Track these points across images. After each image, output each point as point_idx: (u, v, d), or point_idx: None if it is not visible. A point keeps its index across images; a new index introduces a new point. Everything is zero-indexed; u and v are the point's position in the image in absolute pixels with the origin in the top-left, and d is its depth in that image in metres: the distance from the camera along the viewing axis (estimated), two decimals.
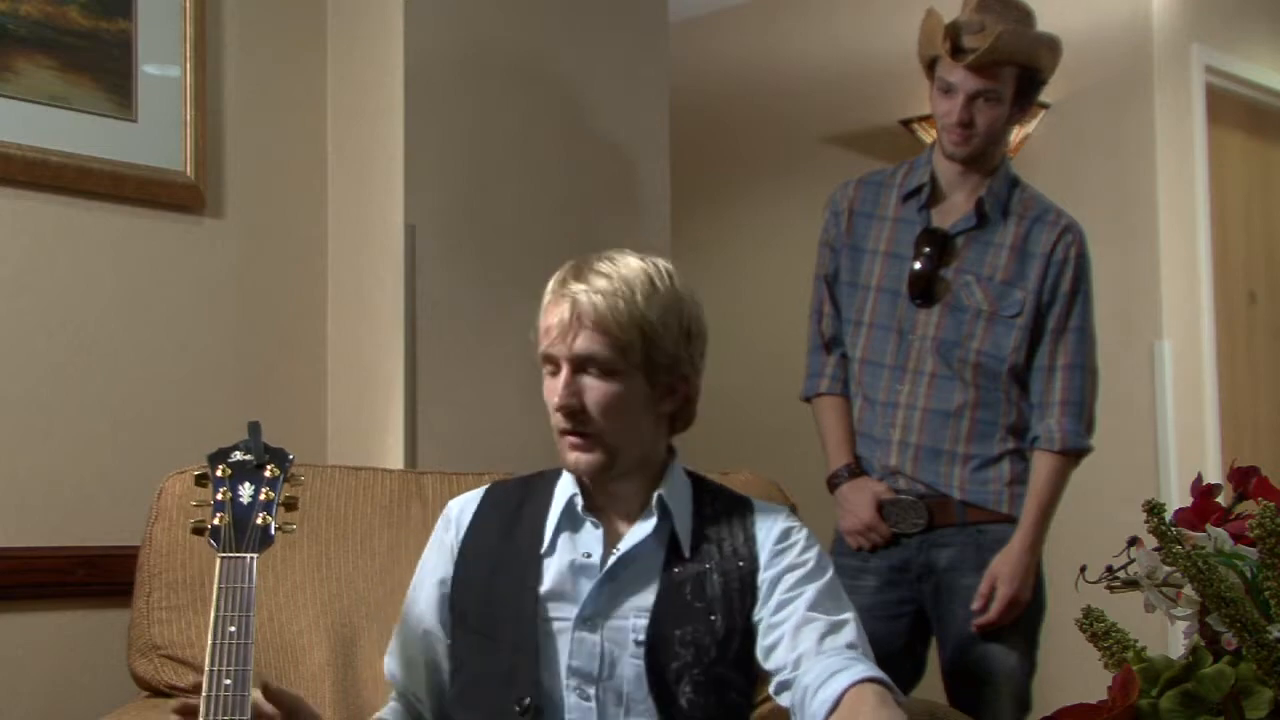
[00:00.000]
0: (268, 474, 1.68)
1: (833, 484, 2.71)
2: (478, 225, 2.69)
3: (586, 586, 1.75)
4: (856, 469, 2.69)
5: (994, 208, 2.63)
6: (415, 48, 2.59)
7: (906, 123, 4.50)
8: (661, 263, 1.79)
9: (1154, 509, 1.24)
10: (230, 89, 2.58)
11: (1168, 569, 1.28)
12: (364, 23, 2.67)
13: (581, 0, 2.90)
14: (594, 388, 1.73)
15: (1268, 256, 4.80)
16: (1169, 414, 4.15)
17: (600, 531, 1.79)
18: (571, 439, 1.75)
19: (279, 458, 1.70)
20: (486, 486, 1.92)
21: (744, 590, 1.77)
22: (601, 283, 1.72)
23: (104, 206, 2.40)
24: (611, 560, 1.76)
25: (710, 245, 4.93)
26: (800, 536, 1.83)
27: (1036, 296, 2.59)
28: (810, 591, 1.75)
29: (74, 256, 2.38)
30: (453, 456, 2.52)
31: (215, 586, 1.57)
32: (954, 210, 2.66)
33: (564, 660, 1.73)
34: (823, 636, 1.69)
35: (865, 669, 1.63)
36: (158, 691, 2.01)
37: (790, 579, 1.76)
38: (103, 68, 2.39)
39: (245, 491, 1.65)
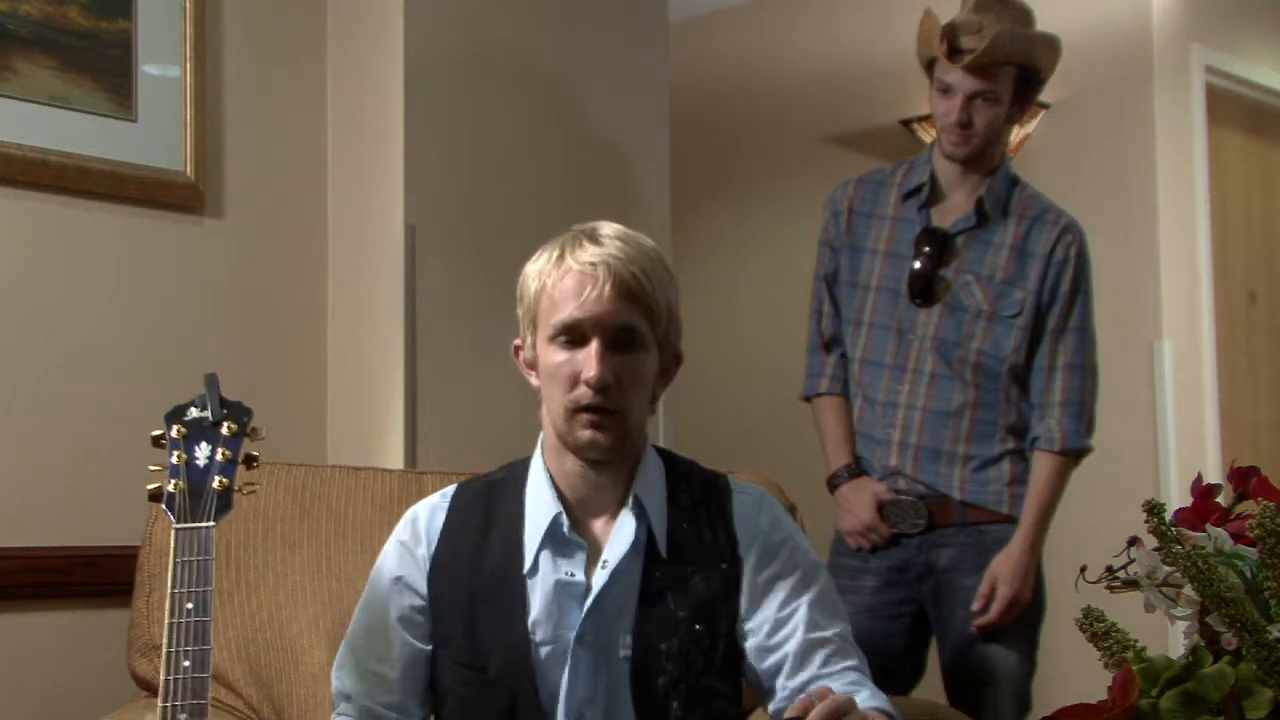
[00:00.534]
0: (225, 431, 1.56)
1: (833, 484, 2.71)
2: (478, 225, 2.69)
3: (574, 608, 1.66)
4: (856, 469, 2.69)
5: (994, 207, 2.63)
6: (415, 48, 2.59)
7: (906, 123, 4.50)
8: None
9: (1154, 509, 1.24)
10: (230, 89, 2.58)
11: (1168, 569, 1.27)
12: (364, 23, 2.67)
13: (581, 0, 2.90)
14: (624, 362, 1.63)
15: (1268, 256, 4.80)
16: (1169, 414, 4.15)
17: (584, 549, 1.68)
18: (592, 417, 1.63)
19: (237, 412, 1.58)
20: (448, 492, 1.79)
21: (727, 594, 1.69)
22: (630, 250, 1.65)
23: (104, 206, 2.40)
24: (600, 584, 1.66)
25: (710, 245, 4.93)
26: (783, 532, 1.74)
27: (1036, 296, 2.59)
28: (805, 608, 1.67)
29: (74, 256, 2.38)
30: (452, 456, 2.52)
31: (170, 560, 1.48)
32: (954, 209, 2.66)
33: (564, 686, 1.64)
34: (827, 659, 1.65)
35: (868, 696, 1.60)
36: (158, 692, 2.01)
37: (782, 592, 1.69)
38: (103, 68, 2.39)
39: (202, 453, 1.54)
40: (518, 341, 1.75)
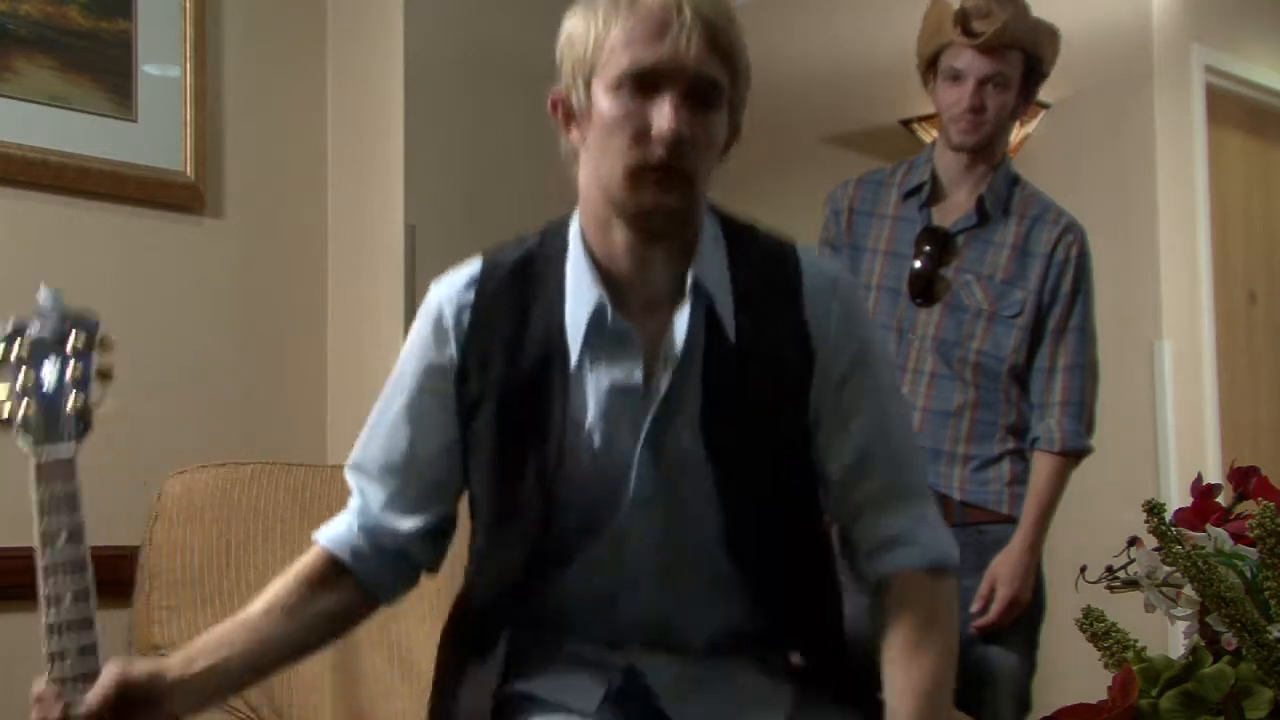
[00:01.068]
0: (72, 347, 1.42)
1: None
2: (478, 225, 2.68)
3: (634, 411, 1.45)
4: None
5: (995, 205, 2.63)
6: (415, 48, 2.60)
7: (906, 123, 4.50)
8: None
9: (1154, 509, 1.24)
10: (230, 89, 2.58)
11: (1168, 569, 1.28)
12: (364, 23, 2.67)
13: (581, 1, 2.90)
14: (700, 121, 1.43)
15: (1268, 256, 4.80)
16: (1169, 414, 4.15)
17: (639, 339, 1.47)
18: (658, 174, 1.42)
19: (83, 324, 1.45)
20: (475, 271, 1.56)
21: (798, 389, 1.50)
22: None
23: (104, 206, 2.40)
24: (665, 384, 1.45)
25: None
26: (856, 324, 1.55)
27: (1037, 297, 2.59)
28: (871, 416, 1.51)
29: (74, 256, 2.38)
30: None
31: (34, 496, 1.36)
32: (955, 208, 2.66)
33: (630, 493, 1.45)
34: (885, 487, 1.51)
35: (918, 553, 1.50)
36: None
37: (851, 391, 1.51)
38: (103, 68, 2.39)
39: (50, 373, 1.40)
40: (557, 92, 1.56)
